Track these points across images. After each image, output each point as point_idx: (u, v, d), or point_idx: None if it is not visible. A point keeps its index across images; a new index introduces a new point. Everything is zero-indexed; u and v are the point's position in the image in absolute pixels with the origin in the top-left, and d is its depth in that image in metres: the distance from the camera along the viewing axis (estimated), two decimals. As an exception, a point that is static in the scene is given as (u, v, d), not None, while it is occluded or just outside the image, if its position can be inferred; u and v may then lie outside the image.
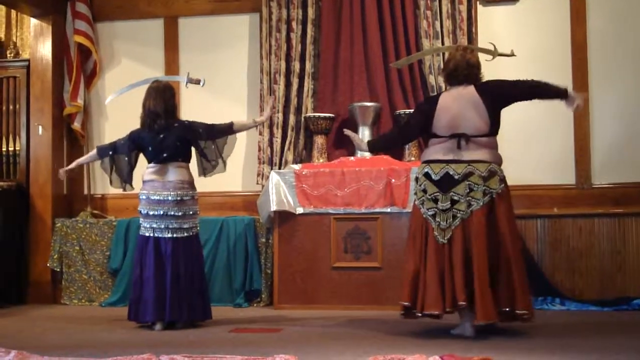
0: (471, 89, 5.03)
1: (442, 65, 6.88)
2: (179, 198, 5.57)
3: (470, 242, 4.82)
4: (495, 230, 4.86)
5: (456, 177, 4.90)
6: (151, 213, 5.58)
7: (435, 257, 4.87)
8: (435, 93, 6.95)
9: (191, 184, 5.68)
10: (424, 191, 4.98)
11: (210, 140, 5.72)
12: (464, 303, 4.72)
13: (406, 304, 4.92)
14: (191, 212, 5.64)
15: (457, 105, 4.99)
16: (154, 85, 5.75)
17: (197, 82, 5.72)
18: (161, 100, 5.64)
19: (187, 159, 5.73)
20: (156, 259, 5.55)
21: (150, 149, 5.64)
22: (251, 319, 6.03)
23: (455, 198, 4.88)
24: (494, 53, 5.50)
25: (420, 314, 4.90)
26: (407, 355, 3.76)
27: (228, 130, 5.74)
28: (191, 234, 5.64)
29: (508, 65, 7.07)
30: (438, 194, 4.92)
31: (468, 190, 4.88)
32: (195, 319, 5.61)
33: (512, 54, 5.53)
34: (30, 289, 7.54)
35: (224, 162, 5.82)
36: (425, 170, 5.00)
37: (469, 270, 4.78)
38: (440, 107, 5.02)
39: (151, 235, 5.59)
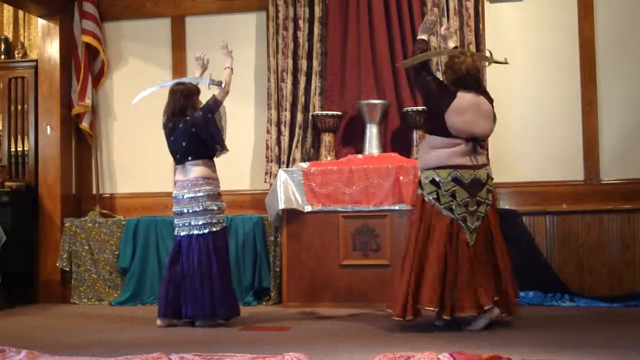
0: (484, 99, 5.16)
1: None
2: (192, 195, 5.60)
3: (490, 241, 5.07)
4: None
5: (483, 181, 5.07)
6: (175, 212, 5.72)
7: (468, 259, 4.95)
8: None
9: (207, 180, 5.63)
10: (453, 196, 5.00)
11: (210, 122, 5.68)
12: (497, 299, 4.95)
13: (432, 309, 4.91)
14: (204, 209, 5.58)
15: (472, 111, 5.08)
16: (171, 88, 5.83)
17: (219, 83, 5.72)
18: (172, 102, 5.72)
19: (200, 155, 5.66)
20: (173, 257, 5.67)
21: (170, 151, 5.80)
22: (260, 317, 6.04)
23: (481, 201, 5.04)
24: (490, 60, 5.50)
25: (448, 317, 4.95)
26: (416, 353, 3.75)
27: (216, 101, 5.69)
28: (206, 231, 5.58)
29: (516, 62, 7.07)
30: (468, 198, 5.01)
31: (487, 193, 5.08)
32: (204, 317, 5.53)
33: (506, 62, 5.52)
34: (40, 289, 7.57)
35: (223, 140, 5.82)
36: (454, 175, 5.02)
37: (494, 268, 5.01)
38: (455, 106, 5.04)
39: (176, 234, 5.72)
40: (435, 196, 5.03)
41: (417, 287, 4.96)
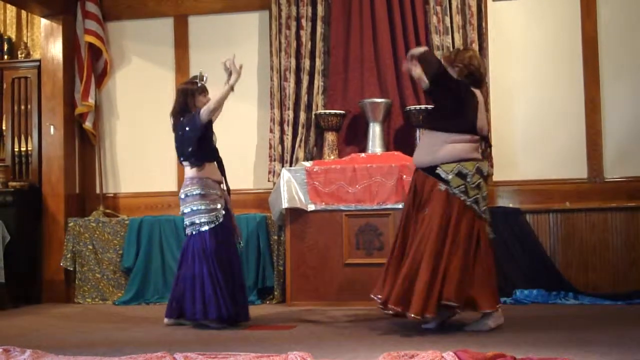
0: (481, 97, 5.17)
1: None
2: (182, 196, 5.60)
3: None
4: None
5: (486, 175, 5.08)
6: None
7: (492, 252, 4.95)
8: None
9: (193, 180, 5.55)
10: (479, 187, 4.95)
11: (187, 133, 5.56)
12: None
13: (456, 304, 4.84)
14: (191, 210, 5.53)
15: (482, 109, 5.11)
16: (177, 87, 5.88)
17: (201, 78, 5.68)
18: (174, 102, 5.72)
19: (189, 157, 5.56)
20: (180, 257, 5.73)
21: None
22: (264, 316, 6.04)
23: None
24: None
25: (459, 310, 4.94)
26: (420, 351, 3.75)
27: (196, 117, 5.50)
28: (193, 232, 5.55)
29: (520, 60, 7.09)
30: (486, 192, 5.00)
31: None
32: (193, 318, 5.49)
33: None
34: (44, 288, 7.58)
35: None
36: (477, 166, 4.98)
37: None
38: (479, 104, 5.05)
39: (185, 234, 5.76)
40: (463, 189, 4.91)
41: (441, 283, 4.81)
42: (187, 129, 5.52)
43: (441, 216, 4.88)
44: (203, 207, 5.51)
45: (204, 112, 5.46)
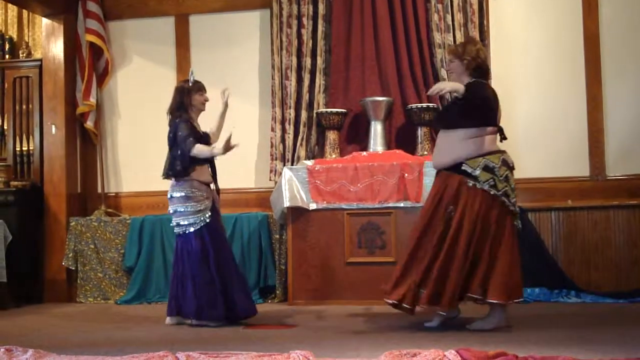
0: None
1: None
2: (169, 196, 5.61)
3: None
4: None
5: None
6: None
7: (517, 245, 4.93)
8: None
9: (179, 182, 5.53)
10: (507, 180, 4.91)
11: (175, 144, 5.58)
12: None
13: (481, 297, 4.81)
14: (176, 211, 5.54)
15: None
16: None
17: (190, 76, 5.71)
18: (171, 100, 5.71)
19: (179, 157, 5.53)
20: None
21: None
22: (266, 315, 6.03)
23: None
24: None
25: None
26: (422, 350, 3.75)
27: (185, 151, 5.51)
28: (178, 232, 5.57)
29: (521, 58, 7.08)
30: (514, 183, 4.97)
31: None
32: (172, 314, 5.61)
33: None
34: (46, 288, 7.59)
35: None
36: (502, 158, 4.94)
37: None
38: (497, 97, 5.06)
39: None
40: (492, 183, 4.86)
41: (467, 277, 4.81)
42: (171, 135, 5.54)
43: (474, 214, 4.84)
44: (188, 210, 5.51)
45: (196, 149, 5.44)
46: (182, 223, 5.53)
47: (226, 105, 5.91)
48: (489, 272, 4.80)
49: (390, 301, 4.99)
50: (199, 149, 5.47)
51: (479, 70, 5.04)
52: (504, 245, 4.85)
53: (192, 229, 5.50)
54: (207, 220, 5.53)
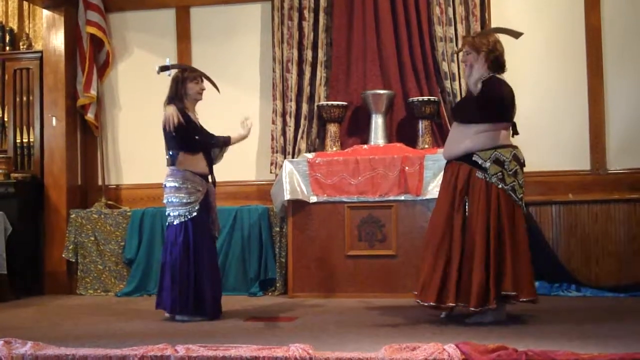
0: None
1: (454, 52, 6.85)
2: (163, 185, 5.57)
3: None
4: None
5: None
6: None
7: (527, 240, 4.92)
8: (449, 79, 6.92)
9: (173, 171, 5.49)
10: (515, 175, 4.88)
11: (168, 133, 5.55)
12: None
13: (514, 293, 4.79)
14: (167, 201, 5.50)
15: None
16: None
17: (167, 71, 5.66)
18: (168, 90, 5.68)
19: (170, 147, 5.53)
20: None
21: None
22: (266, 308, 6.04)
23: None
24: (516, 34, 5.28)
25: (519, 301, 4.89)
26: (422, 344, 3.75)
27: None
28: (168, 222, 5.55)
29: (522, 52, 7.05)
30: (523, 179, 4.95)
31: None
32: (164, 308, 5.52)
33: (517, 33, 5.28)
34: (46, 280, 7.59)
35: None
36: (514, 153, 4.92)
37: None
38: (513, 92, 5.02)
39: None
40: (500, 176, 4.84)
41: (498, 274, 4.77)
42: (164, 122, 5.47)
43: (484, 207, 4.82)
44: (176, 201, 5.46)
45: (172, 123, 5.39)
46: (171, 214, 5.50)
47: (247, 133, 5.90)
48: (516, 269, 4.79)
49: (426, 303, 4.90)
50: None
51: (496, 62, 4.98)
52: (523, 243, 4.86)
53: (177, 221, 5.46)
54: (194, 214, 5.46)
